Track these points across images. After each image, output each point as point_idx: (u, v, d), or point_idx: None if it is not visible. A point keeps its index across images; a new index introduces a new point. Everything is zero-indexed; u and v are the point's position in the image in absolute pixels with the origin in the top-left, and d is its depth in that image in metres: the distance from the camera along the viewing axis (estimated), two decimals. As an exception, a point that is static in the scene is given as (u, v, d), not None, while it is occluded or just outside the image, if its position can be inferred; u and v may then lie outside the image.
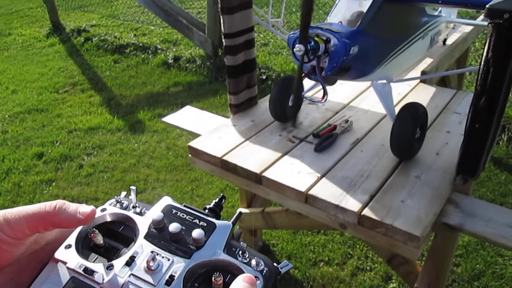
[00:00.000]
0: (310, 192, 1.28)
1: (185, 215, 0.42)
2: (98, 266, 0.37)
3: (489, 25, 1.06)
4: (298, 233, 2.31)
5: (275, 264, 0.40)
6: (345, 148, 1.48)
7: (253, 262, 0.39)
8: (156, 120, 3.48)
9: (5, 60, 5.01)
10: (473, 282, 1.99)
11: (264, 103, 1.77)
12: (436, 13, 1.82)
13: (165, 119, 1.85)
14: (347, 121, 1.62)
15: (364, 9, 1.35)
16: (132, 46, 4.90)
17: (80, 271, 0.36)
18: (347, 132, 1.57)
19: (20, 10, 6.89)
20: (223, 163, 1.48)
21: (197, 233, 0.39)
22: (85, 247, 0.40)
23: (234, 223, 0.43)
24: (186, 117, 1.85)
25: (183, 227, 0.40)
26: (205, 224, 0.41)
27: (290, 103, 1.59)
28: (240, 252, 0.40)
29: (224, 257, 0.39)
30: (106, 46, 5.00)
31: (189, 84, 4.08)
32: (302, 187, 1.30)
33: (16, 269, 0.39)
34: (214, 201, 0.47)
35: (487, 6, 1.03)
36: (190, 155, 1.60)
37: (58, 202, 0.39)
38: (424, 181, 1.30)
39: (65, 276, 0.37)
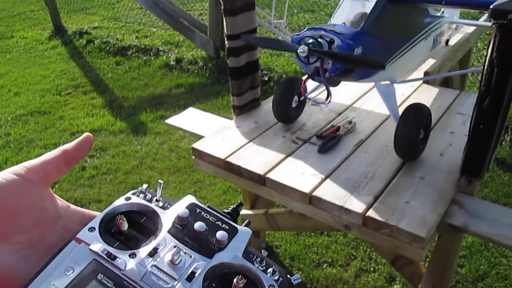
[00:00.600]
0: (314, 193, 1.28)
1: (208, 216, 0.42)
2: (121, 253, 0.37)
3: (493, 25, 1.06)
4: (301, 234, 2.31)
5: (288, 276, 0.40)
6: (348, 149, 1.48)
7: (270, 270, 0.39)
8: (159, 121, 3.48)
9: (8, 62, 5.02)
10: (477, 283, 1.99)
11: (267, 105, 1.77)
12: (438, 14, 1.82)
13: (168, 121, 1.85)
14: (350, 122, 1.62)
15: (368, 10, 1.35)
16: (134, 48, 4.91)
17: (103, 255, 0.37)
18: (351, 133, 1.57)
19: (22, 12, 6.90)
20: (226, 164, 1.48)
21: (221, 234, 0.40)
22: (107, 232, 0.40)
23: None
24: (189, 119, 1.85)
25: (207, 227, 0.40)
26: (228, 227, 0.41)
27: (293, 105, 1.60)
28: (258, 259, 0.40)
29: (244, 262, 0.39)
30: (108, 48, 5.01)
31: (191, 86, 4.09)
32: (306, 189, 1.30)
33: (27, 241, 0.38)
34: (232, 207, 0.48)
35: (491, 6, 1.03)
36: (193, 157, 1.60)
37: (59, 148, 0.43)
38: (429, 182, 1.30)
39: (87, 257, 0.37)
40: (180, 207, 0.42)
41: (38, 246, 0.38)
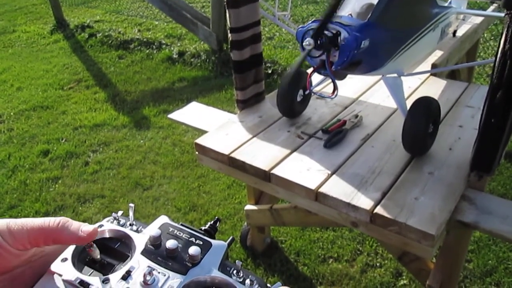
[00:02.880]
0: (321, 189, 1.25)
1: (181, 233, 0.43)
2: (94, 280, 0.38)
3: (506, 16, 1.02)
4: (306, 229, 2.28)
5: (268, 284, 0.41)
6: (355, 144, 1.45)
7: (247, 281, 0.40)
8: (162, 116, 3.45)
9: (10, 57, 5.00)
10: (485, 278, 1.96)
11: (272, 99, 1.74)
12: (446, 4, 1.78)
13: (171, 115, 1.82)
14: (356, 116, 1.58)
15: (375, 1, 1.31)
16: (136, 42, 4.87)
17: (76, 283, 0.37)
18: (357, 127, 1.54)
19: (24, 6, 6.86)
20: (230, 160, 1.45)
21: (193, 250, 0.40)
22: (81, 261, 0.41)
23: (228, 246, 0.44)
24: (192, 113, 1.83)
25: (180, 244, 0.41)
26: (201, 243, 0.42)
27: (298, 99, 1.56)
28: (235, 271, 0.41)
29: (220, 275, 0.40)
30: (110, 41, 4.97)
31: (194, 79, 4.05)
32: (312, 185, 1.27)
33: (9, 278, 0.38)
34: (209, 223, 0.48)
35: (504, -4, 0.99)
36: (197, 152, 1.58)
37: (62, 219, 0.40)
38: (438, 177, 1.27)
39: None
40: (153, 228, 0.43)
41: (16, 282, 0.39)
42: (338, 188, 1.25)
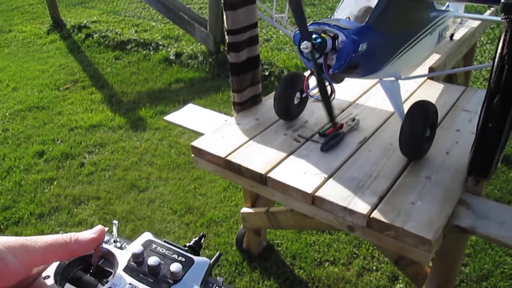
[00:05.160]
0: (317, 193, 1.24)
1: (164, 250, 0.44)
2: None
3: (504, 20, 1.02)
4: (302, 232, 2.27)
5: None
6: (352, 148, 1.44)
7: None
8: (158, 117, 3.44)
9: (6, 57, 4.97)
10: (481, 283, 1.96)
11: (269, 101, 1.73)
12: (443, 8, 1.78)
13: (167, 117, 1.81)
14: (354, 119, 1.58)
15: (372, 4, 1.30)
16: (133, 42, 4.85)
17: None
18: (354, 130, 1.53)
19: (20, 6, 6.84)
20: (227, 163, 1.44)
21: (175, 267, 0.40)
22: (63, 278, 0.41)
23: (214, 263, 0.45)
24: (189, 115, 1.82)
25: (162, 261, 0.41)
26: (184, 259, 0.43)
27: (295, 101, 1.56)
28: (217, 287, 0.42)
29: None
30: (107, 42, 4.96)
31: (191, 81, 4.04)
32: (308, 188, 1.26)
33: None
34: (194, 239, 0.49)
35: (502, 0, 0.99)
36: (193, 155, 1.56)
37: (71, 234, 0.41)
38: (435, 181, 1.26)
39: None
40: (136, 245, 0.44)
41: None
42: (335, 192, 1.24)
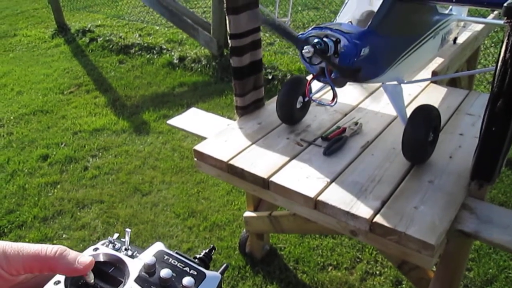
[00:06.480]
0: (320, 198, 1.24)
1: (176, 262, 0.43)
2: None
3: (507, 24, 1.02)
4: (305, 236, 2.27)
5: None
6: (355, 152, 1.44)
7: None
8: (161, 121, 3.45)
9: (11, 61, 5.00)
10: (485, 287, 1.95)
11: (271, 105, 1.73)
12: (447, 12, 1.77)
13: (170, 121, 1.82)
14: (356, 123, 1.58)
15: (375, 8, 1.30)
16: (137, 46, 4.87)
17: None
18: (357, 134, 1.53)
19: (25, 10, 6.88)
20: (229, 167, 1.44)
21: (187, 281, 0.40)
22: (73, 284, 0.40)
23: (222, 274, 0.44)
24: (192, 119, 1.82)
25: (174, 274, 0.41)
26: (196, 273, 0.42)
27: (298, 105, 1.56)
28: None
29: None
30: (111, 46, 4.98)
31: (195, 85, 4.05)
32: (311, 193, 1.26)
33: None
34: (204, 251, 0.49)
35: (504, 4, 0.99)
36: (195, 159, 1.57)
37: (60, 249, 0.40)
38: (438, 186, 1.26)
39: None
40: (147, 255, 0.43)
41: None
42: (337, 197, 1.24)
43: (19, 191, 2.78)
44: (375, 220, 1.14)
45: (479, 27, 2.31)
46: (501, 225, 1.16)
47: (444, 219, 1.14)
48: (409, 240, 1.10)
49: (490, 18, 2.44)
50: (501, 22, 1.18)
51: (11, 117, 3.70)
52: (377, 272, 2.05)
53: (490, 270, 2.01)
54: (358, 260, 2.13)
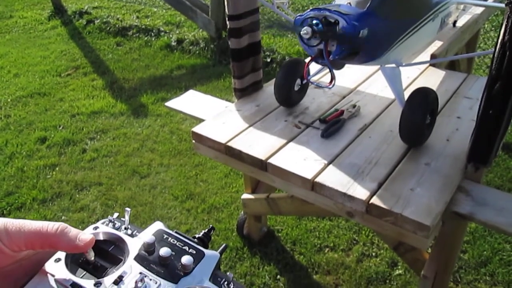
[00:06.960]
0: (317, 179, 1.25)
1: (175, 241, 0.44)
2: (86, 282, 0.38)
3: (507, 6, 1.01)
4: (303, 218, 2.29)
5: None
6: (352, 134, 1.44)
7: None
8: (160, 103, 3.44)
9: (7, 43, 4.96)
10: (480, 269, 1.97)
11: (269, 87, 1.73)
12: (447, -6, 1.76)
13: (168, 103, 1.81)
14: (354, 106, 1.58)
15: (374, -11, 1.29)
16: (134, 29, 4.83)
17: (68, 285, 0.38)
18: (355, 117, 1.53)
19: (21, -9, 6.79)
20: (227, 149, 1.45)
21: (186, 259, 0.41)
22: (74, 262, 0.41)
23: (220, 254, 0.45)
24: (190, 102, 1.82)
25: (173, 252, 0.41)
26: (194, 252, 0.43)
27: (296, 88, 1.55)
28: (226, 282, 0.42)
29: (210, 285, 0.40)
30: (108, 28, 4.93)
31: (193, 67, 4.03)
32: (308, 174, 1.26)
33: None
34: (203, 231, 0.49)
35: (505, -14, 0.98)
36: (193, 141, 1.57)
37: (61, 225, 0.40)
38: (434, 168, 1.26)
39: None
40: (147, 234, 0.44)
41: (6, 280, 0.39)
42: (335, 178, 1.25)
43: (18, 173, 2.79)
44: (371, 201, 1.15)
45: (479, 10, 2.29)
46: (496, 207, 1.17)
47: (440, 201, 1.15)
48: (405, 221, 1.11)
49: (490, 1, 2.42)
50: (502, 5, 1.17)
51: (8, 100, 3.69)
52: (373, 254, 2.08)
53: (485, 252, 2.04)
54: (354, 242, 2.15)
